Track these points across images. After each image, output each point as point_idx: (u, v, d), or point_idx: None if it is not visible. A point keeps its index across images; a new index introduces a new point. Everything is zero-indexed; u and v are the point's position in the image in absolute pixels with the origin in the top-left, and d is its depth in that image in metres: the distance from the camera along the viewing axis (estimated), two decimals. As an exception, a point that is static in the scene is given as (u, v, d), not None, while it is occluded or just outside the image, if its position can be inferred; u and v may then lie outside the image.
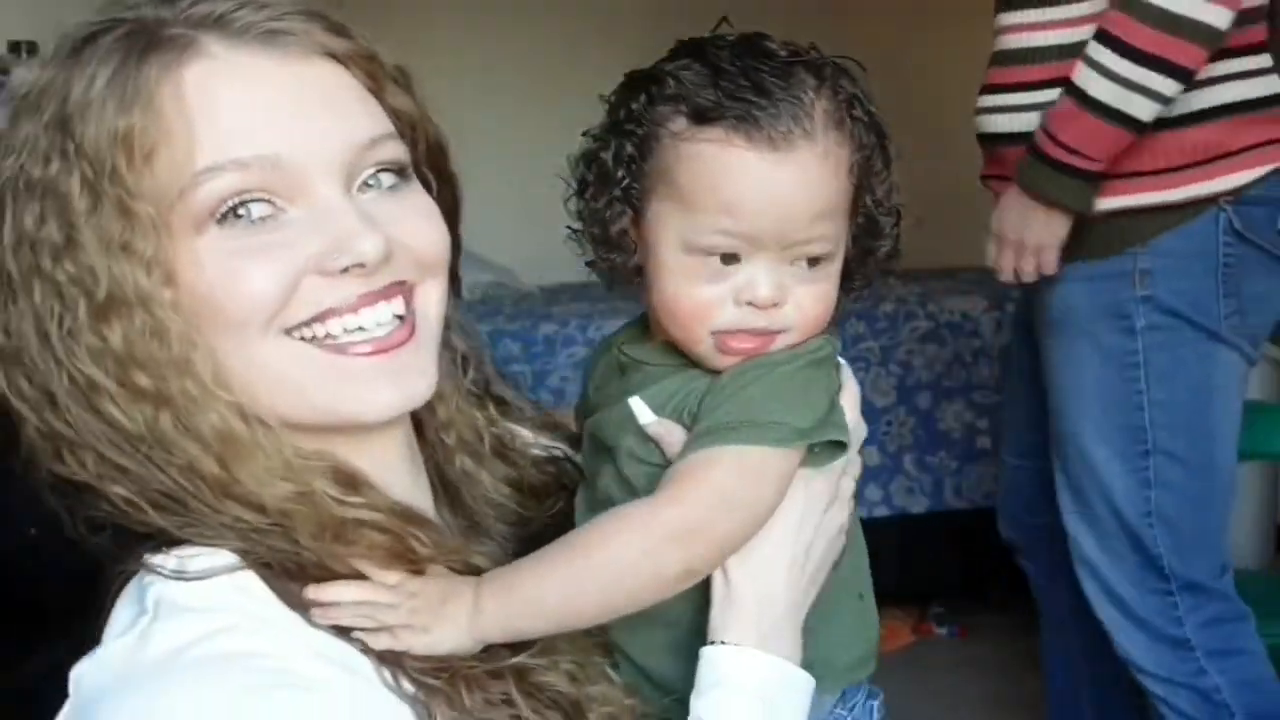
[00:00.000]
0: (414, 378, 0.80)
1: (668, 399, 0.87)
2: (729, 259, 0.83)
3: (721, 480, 0.80)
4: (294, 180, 0.76)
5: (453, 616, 0.78)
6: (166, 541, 0.78)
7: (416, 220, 0.81)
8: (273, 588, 0.77)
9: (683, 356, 0.88)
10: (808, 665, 0.84)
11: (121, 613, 0.78)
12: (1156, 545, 1.81)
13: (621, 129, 0.85)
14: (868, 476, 3.21)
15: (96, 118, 0.74)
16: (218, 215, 0.75)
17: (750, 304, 0.83)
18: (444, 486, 0.92)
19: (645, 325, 0.93)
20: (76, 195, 0.74)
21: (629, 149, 0.85)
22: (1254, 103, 1.67)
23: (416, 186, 0.83)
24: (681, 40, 0.87)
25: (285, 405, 0.78)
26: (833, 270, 0.87)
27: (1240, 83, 1.66)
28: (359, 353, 0.78)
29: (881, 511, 3.15)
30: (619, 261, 0.88)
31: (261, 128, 0.75)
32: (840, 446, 0.86)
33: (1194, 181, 1.66)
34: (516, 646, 0.80)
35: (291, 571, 0.77)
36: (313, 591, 0.76)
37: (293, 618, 0.76)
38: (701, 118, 0.82)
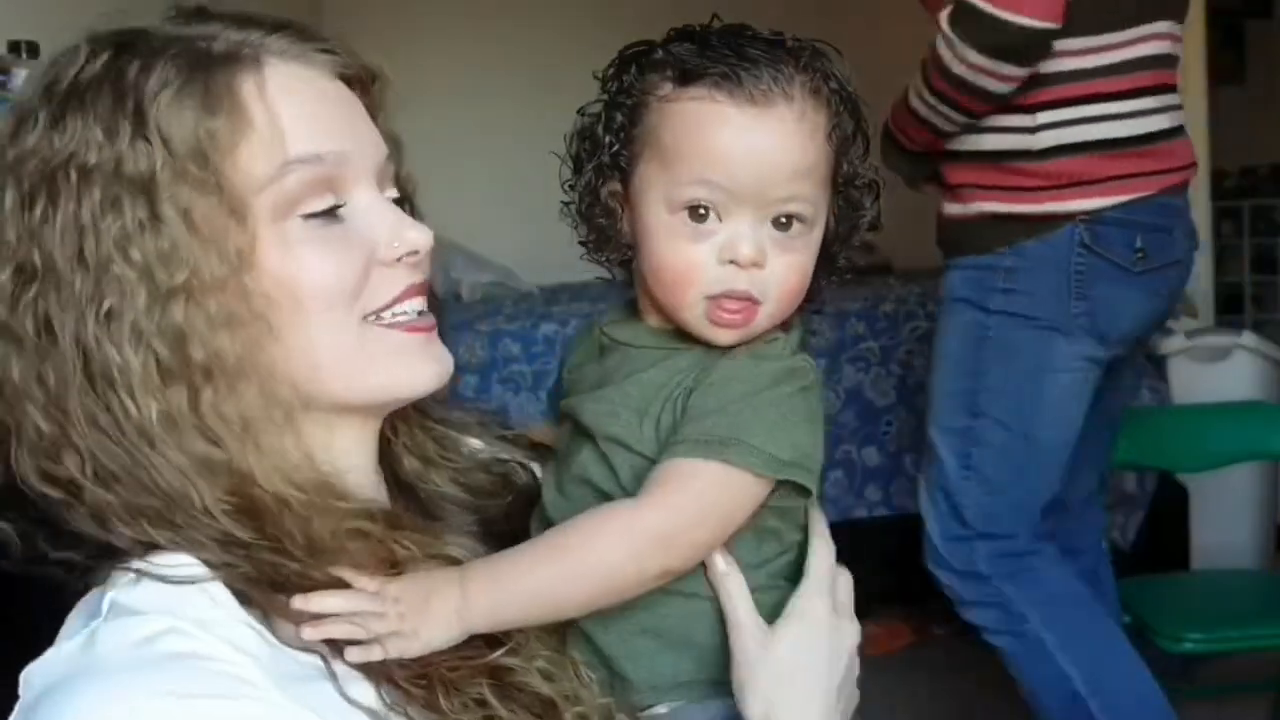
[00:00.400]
0: (446, 355, 0.87)
1: (655, 391, 0.89)
2: (705, 215, 0.87)
3: (704, 491, 0.84)
4: (351, 178, 0.82)
5: (440, 614, 0.79)
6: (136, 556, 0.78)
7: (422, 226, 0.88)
8: (241, 598, 0.77)
9: (666, 340, 0.91)
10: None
11: (76, 619, 0.79)
12: (966, 497, 2.10)
13: (613, 101, 0.91)
14: (868, 477, 3.22)
15: (178, 112, 0.76)
16: (300, 206, 0.79)
17: (733, 262, 0.86)
18: (398, 485, 0.93)
19: (631, 309, 0.96)
20: (162, 183, 0.76)
21: (619, 118, 0.90)
22: (1116, 142, 1.98)
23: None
24: (674, 28, 0.92)
25: (342, 385, 0.82)
26: (811, 241, 0.90)
27: (1105, 124, 1.97)
28: (410, 329, 0.84)
29: (881, 511, 3.15)
30: (608, 230, 0.92)
31: (329, 127, 0.82)
32: (804, 490, 0.88)
33: (1054, 200, 1.98)
34: (491, 644, 0.81)
35: (273, 584, 0.77)
36: (300, 603, 0.77)
37: (252, 629, 0.76)
38: (686, 78, 0.87)
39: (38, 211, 0.76)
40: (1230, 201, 5.76)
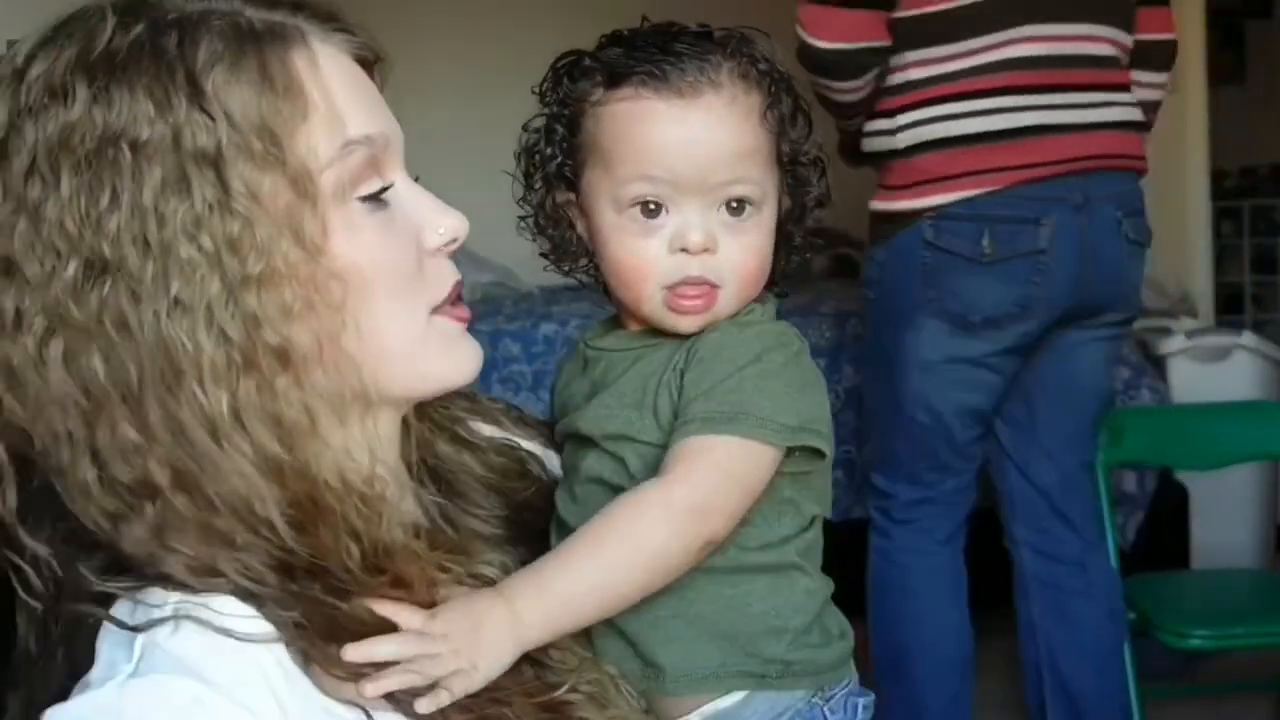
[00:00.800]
0: (478, 345, 0.86)
1: (645, 381, 0.89)
2: (655, 210, 0.88)
3: (722, 461, 0.84)
4: (391, 161, 0.81)
5: (493, 638, 0.77)
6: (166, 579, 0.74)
7: None
8: (301, 659, 0.73)
9: (646, 339, 0.92)
10: (775, 660, 0.87)
11: (107, 652, 0.73)
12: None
13: (552, 113, 0.93)
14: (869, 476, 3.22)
15: (236, 86, 0.73)
16: (358, 188, 0.78)
17: (684, 250, 0.88)
18: (426, 470, 0.91)
19: (613, 322, 0.97)
20: (229, 159, 0.72)
21: (559, 129, 0.92)
22: (969, 138, 2.10)
23: None
24: (603, 34, 0.94)
25: (400, 373, 0.80)
26: (762, 221, 0.91)
27: (959, 121, 2.09)
28: (458, 319, 0.84)
29: (882, 511, 3.15)
30: (564, 240, 0.95)
31: (373, 108, 0.81)
32: (819, 454, 0.88)
33: (909, 198, 2.13)
34: (544, 679, 0.80)
35: (323, 630, 0.73)
36: (352, 653, 0.73)
37: (287, 687, 0.72)
38: (614, 81, 0.89)
39: (98, 196, 0.71)
40: (1230, 201, 5.76)
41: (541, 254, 0.97)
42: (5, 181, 0.72)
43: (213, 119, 0.72)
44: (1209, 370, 3.44)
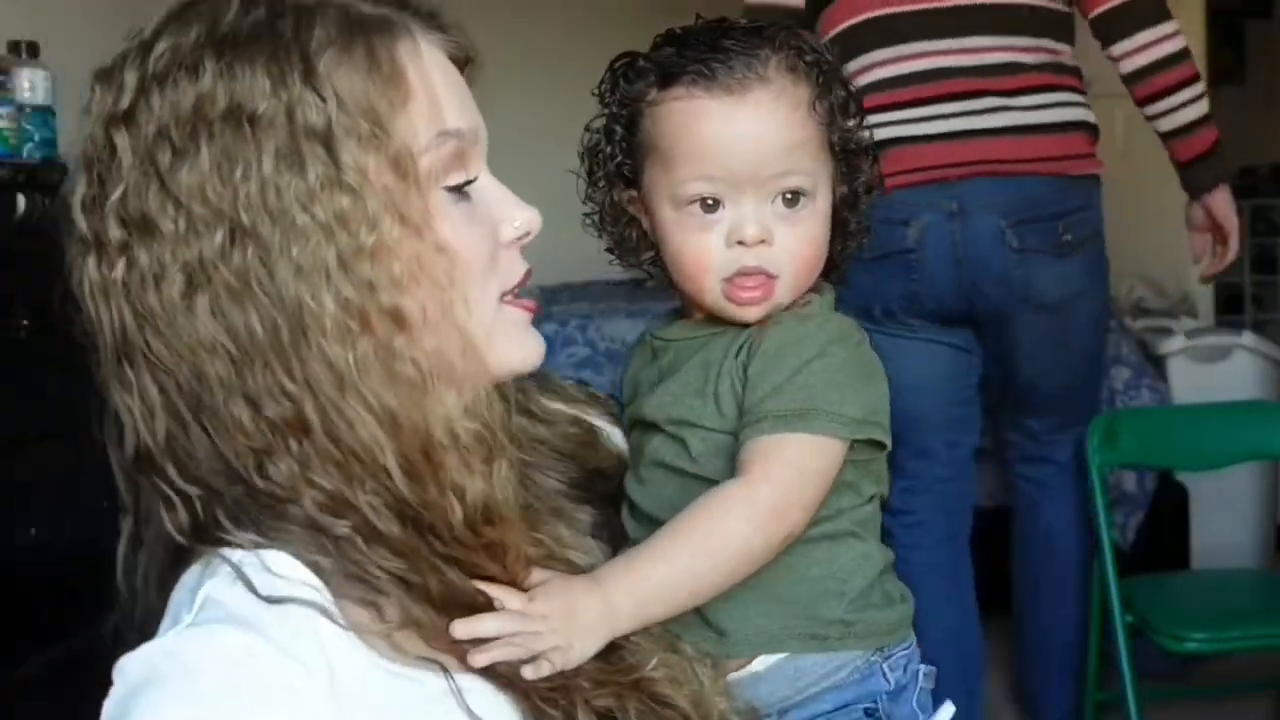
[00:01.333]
0: (540, 336, 0.90)
1: (707, 369, 0.93)
2: (713, 205, 0.92)
3: (795, 459, 0.87)
4: (476, 155, 0.85)
5: (587, 623, 0.82)
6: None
7: None
8: (388, 616, 0.78)
9: (709, 327, 0.96)
10: (835, 621, 0.91)
11: (173, 603, 0.79)
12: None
13: (611, 113, 0.96)
14: (868, 476, 3.23)
15: (347, 70, 0.78)
16: (445, 178, 0.82)
17: (740, 243, 0.91)
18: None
19: (677, 314, 1.01)
20: (339, 137, 0.77)
21: (618, 129, 0.96)
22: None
23: None
24: (659, 34, 0.97)
25: (474, 355, 0.83)
26: (816, 210, 0.94)
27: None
28: (526, 308, 0.88)
29: (882, 511, 3.15)
30: (626, 236, 0.98)
31: (467, 104, 0.85)
32: (879, 445, 0.92)
33: None
34: (624, 657, 0.84)
35: (425, 593, 0.79)
36: (461, 629, 0.79)
37: (352, 648, 0.77)
38: (667, 80, 0.92)
39: (221, 164, 0.76)
40: (1230, 201, 5.76)
41: (606, 249, 1.00)
42: (134, 145, 0.77)
43: (323, 99, 0.76)
44: (1209, 370, 3.44)
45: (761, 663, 0.91)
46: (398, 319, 0.78)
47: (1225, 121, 4.96)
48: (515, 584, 0.82)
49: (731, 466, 0.89)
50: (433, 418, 0.79)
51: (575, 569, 0.86)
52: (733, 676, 0.91)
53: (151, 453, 0.79)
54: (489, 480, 0.81)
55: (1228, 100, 5.12)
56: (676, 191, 0.92)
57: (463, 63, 0.88)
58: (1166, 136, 2.32)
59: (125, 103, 0.78)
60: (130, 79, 0.79)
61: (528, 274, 0.88)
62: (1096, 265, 2.29)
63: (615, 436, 1.04)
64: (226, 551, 0.78)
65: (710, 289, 0.93)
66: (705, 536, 0.85)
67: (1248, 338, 3.52)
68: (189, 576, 0.80)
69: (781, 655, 0.91)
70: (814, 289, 0.97)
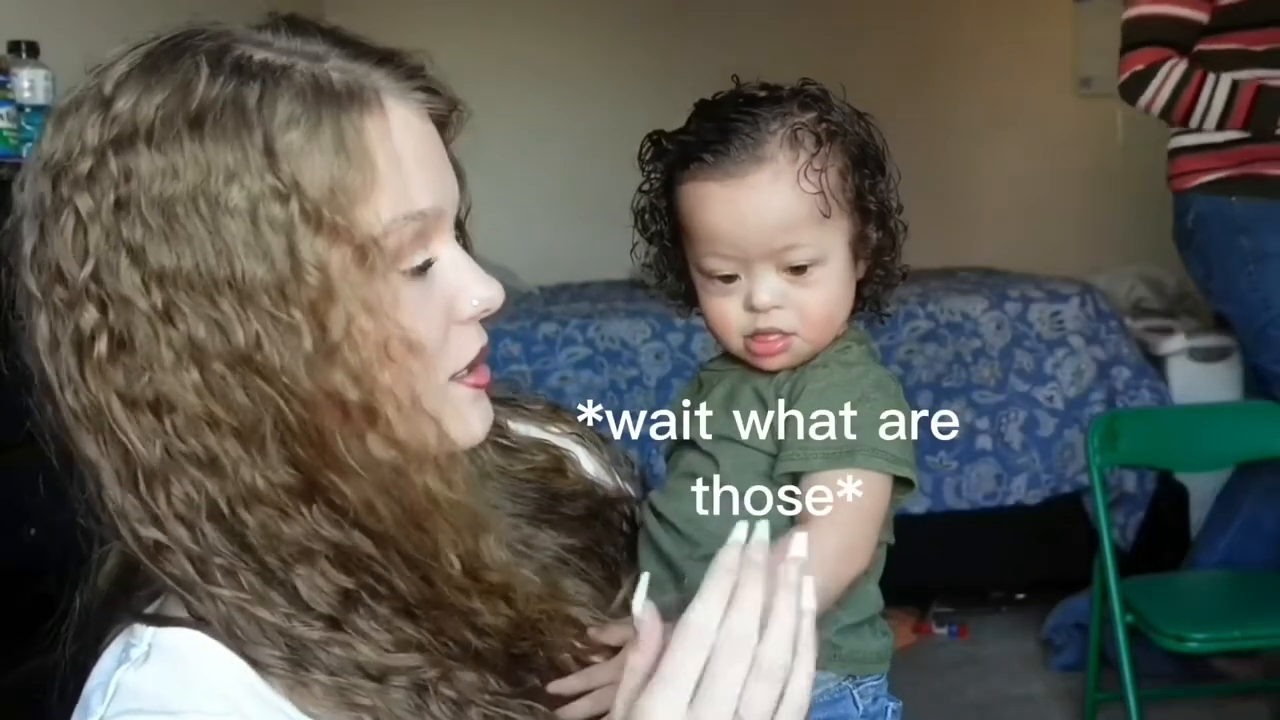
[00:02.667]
0: (490, 407, 0.88)
1: (740, 392, 0.99)
2: (730, 277, 0.98)
3: (853, 498, 0.91)
4: (440, 230, 0.82)
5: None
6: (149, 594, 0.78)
7: None
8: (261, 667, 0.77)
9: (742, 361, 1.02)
10: (824, 642, 0.90)
11: (86, 691, 0.78)
12: None
13: (650, 182, 1.02)
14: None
15: (309, 154, 0.74)
16: (402, 261, 0.79)
17: (753, 309, 0.97)
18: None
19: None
20: (299, 230, 0.74)
21: (656, 199, 1.02)
22: None
23: None
24: (695, 102, 1.01)
25: (418, 432, 0.81)
26: (828, 273, 0.98)
27: None
28: (469, 384, 0.85)
29: (882, 511, 3.15)
30: (675, 289, 1.05)
31: (433, 179, 0.81)
32: (908, 486, 0.97)
33: None
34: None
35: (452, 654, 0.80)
36: (559, 687, 0.82)
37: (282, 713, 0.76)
38: (685, 163, 0.98)
39: (200, 248, 0.74)
40: (1230, 201, 5.75)
41: (667, 302, 1.06)
42: (97, 213, 0.74)
43: (285, 189, 0.74)
44: (1209, 370, 3.44)
45: None
46: (369, 413, 0.76)
47: (1225, 121, 4.91)
48: (519, 617, 0.83)
49: (756, 480, 0.92)
50: (416, 494, 0.79)
51: (573, 624, 0.87)
52: None
53: (119, 513, 0.77)
54: (483, 539, 0.82)
55: (1228, 100, 5.12)
56: (699, 264, 1.00)
57: (445, 117, 0.86)
58: None
59: (84, 165, 0.74)
60: (90, 136, 0.75)
61: (484, 350, 0.85)
62: None
63: (581, 461, 1.04)
64: (139, 629, 0.78)
65: (734, 345, 1.00)
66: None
67: (1248, 338, 3.52)
68: (107, 658, 0.78)
69: None
70: (854, 338, 1.02)
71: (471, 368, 0.84)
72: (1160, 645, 2.35)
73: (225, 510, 0.76)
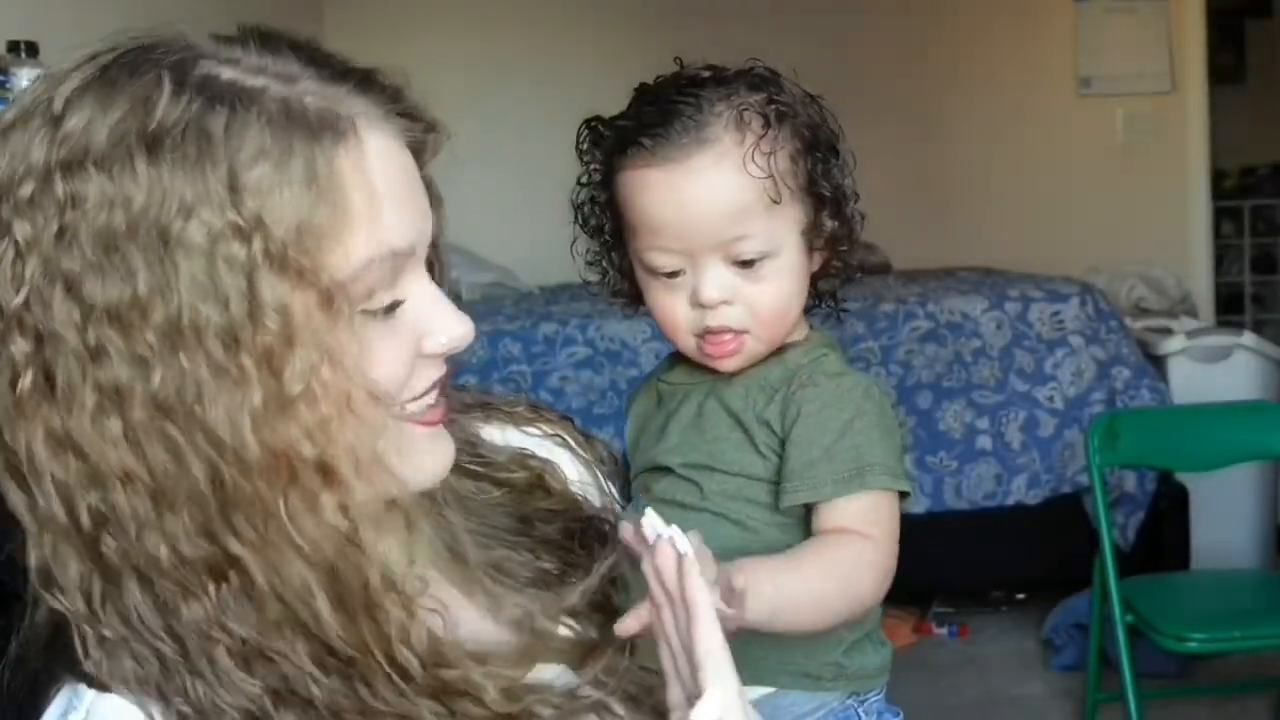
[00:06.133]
0: (448, 443, 0.82)
1: (721, 418, 0.94)
2: (675, 271, 0.92)
3: (881, 517, 0.90)
4: (412, 266, 0.76)
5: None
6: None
7: None
8: None
9: (710, 373, 0.96)
10: (830, 663, 0.91)
11: None
12: None
13: (588, 173, 0.96)
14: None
15: (277, 191, 0.68)
16: (369, 301, 0.73)
17: (700, 304, 0.91)
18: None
19: (679, 356, 1.00)
20: (260, 270, 0.68)
21: (595, 192, 0.96)
22: None
23: None
24: (635, 87, 0.95)
25: (376, 484, 0.75)
26: (779, 267, 0.92)
27: None
28: (421, 420, 0.79)
29: (882, 511, 3.15)
30: (622, 289, 0.99)
31: (409, 215, 0.75)
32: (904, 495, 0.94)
33: None
34: None
35: None
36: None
37: None
38: (623, 149, 0.92)
39: (137, 283, 0.68)
40: (1230, 201, 5.77)
41: (613, 293, 1.00)
42: (34, 240, 0.68)
43: (248, 226, 0.68)
44: (1209, 370, 3.44)
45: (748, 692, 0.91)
46: (326, 472, 0.71)
47: (1225, 121, 4.96)
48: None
49: (740, 507, 0.91)
50: (369, 565, 0.73)
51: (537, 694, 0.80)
52: None
53: (47, 574, 0.71)
54: (424, 624, 0.76)
55: (1228, 100, 5.12)
56: (641, 258, 0.93)
57: (421, 141, 0.79)
58: None
59: (27, 188, 0.68)
60: (36, 155, 0.68)
61: (442, 380, 0.79)
62: None
63: (564, 466, 0.98)
64: (84, 694, 0.73)
65: (685, 344, 0.94)
66: (845, 574, 0.86)
67: (1248, 338, 3.52)
68: (48, 716, 0.74)
69: (765, 691, 0.90)
70: (819, 341, 0.97)
71: (429, 402, 0.78)
72: (1160, 645, 2.35)
73: (117, 580, 0.70)
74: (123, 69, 0.70)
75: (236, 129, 0.68)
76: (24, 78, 2.32)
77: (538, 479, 0.95)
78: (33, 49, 2.34)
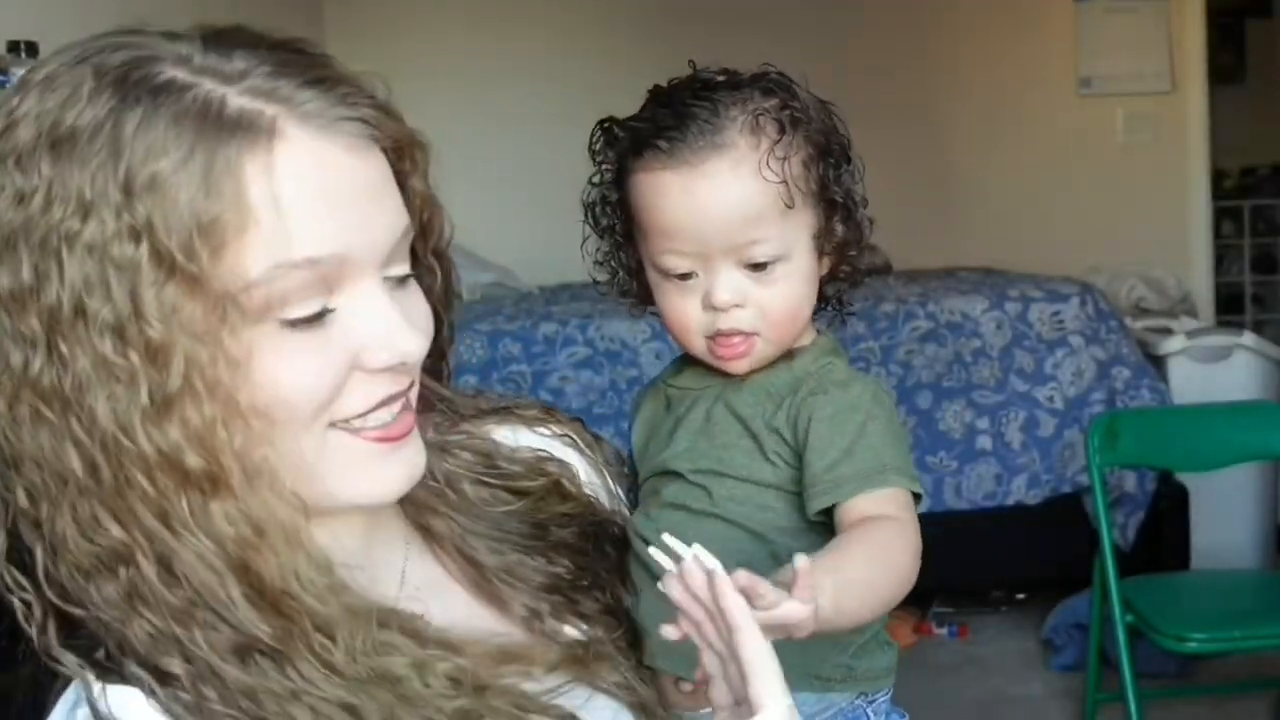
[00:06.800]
0: (414, 458, 0.80)
1: (740, 421, 0.94)
2: (687, 274, 0.92)
3: (906, 504, 0.90)
4: (350, 274, 0.74)
5: None
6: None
7: (422, 318, 0.81)
8: None
9: (719, 376, 0.96)
10: (840, 665, 0.92)
11: None
12: None
13: (600, 174, 0.96)
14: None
15: (171, 192, 0.68)
16: (283, 311, 0.72)
17: (713, 307, 0.92)
18: (451, 499, 0.90)
19: (686, 359, 1.00)
20: (145, 275, 0.69)
21: (607, 192, 0.96)
22: None
23: (413, 281, 0.82)
24: (649, 89, 0.95)
25: (304, 490, 0.75)
26: (791, 270, 0.93)
27: None
28: (370, 437, 0.77)
29: (881, 511, 3.15)
30: (631, 290, 0.99)
31: (333, 223, 0.73)
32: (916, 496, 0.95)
33: None
34: None
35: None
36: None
37: None
38: (638, 151, 0.92)
39: (36, 276, 0.69)
40: (1230, 201, 5.77)
41: (621, 293, 1.00)
42: None
43: (136, 229, 0.68)
44: (1209, 370, 3.44)
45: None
46: (211, 479, 0.71)
47: (1225, 121, 4.96)
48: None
49: (750, 513, 0.91)
50: (280, 570, 0.73)
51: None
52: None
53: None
54: (349, 628, 0.75)
55: (1228, 100, 5.12)
56: (654, 261, 0.94)
57: (401, 146, 0.78)
58: None
59: None
60: None
61: (390, 399, 0.77)
62: None
63: (575, 466, 0.98)
64: (94, 684, 0.73)
65: (695, 346, 0.95)
66: (896, 560, 0.86)
67: (1248, 338, 3.52)
68: (57, 713, 0.75)
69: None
70: (826, 347, 0.98)
71: (383, 419, 0.77)
72: (1160, 645, 2.35)
73: (53, 556, 0.72)
74: (72, 61, 0.71)
75: (144, 129, 0.69)
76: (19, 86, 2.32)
77: (554, 485, 0.95)
78: (33, 49, 2.34)
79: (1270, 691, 2.77)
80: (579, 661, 0.85)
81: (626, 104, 0.97)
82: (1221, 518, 3.25)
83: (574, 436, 1.00)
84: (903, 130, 4.41)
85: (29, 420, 0.70)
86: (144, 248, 0.68)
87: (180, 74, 0.71)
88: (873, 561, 0.85)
